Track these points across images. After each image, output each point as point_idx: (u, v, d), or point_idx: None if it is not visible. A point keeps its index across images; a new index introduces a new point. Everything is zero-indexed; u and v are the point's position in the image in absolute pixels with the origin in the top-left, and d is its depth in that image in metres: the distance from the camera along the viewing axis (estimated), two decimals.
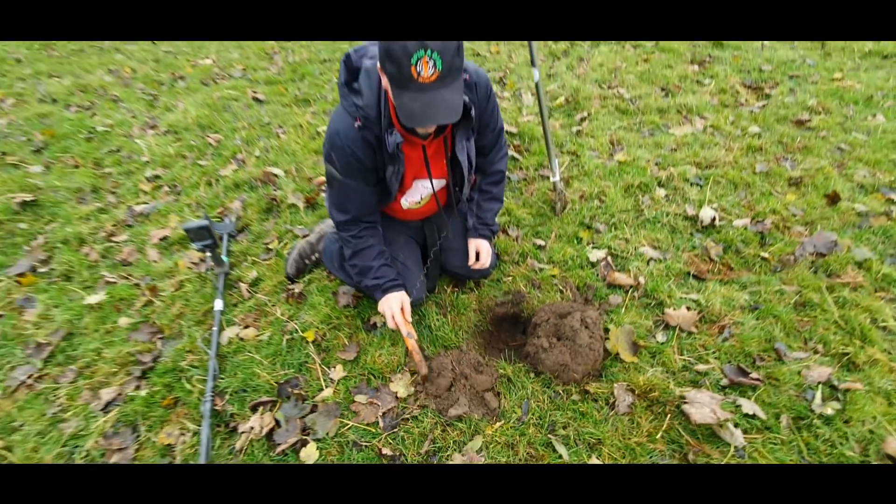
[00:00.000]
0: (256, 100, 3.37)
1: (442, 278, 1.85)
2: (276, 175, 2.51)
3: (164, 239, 2.15)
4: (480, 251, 1.64)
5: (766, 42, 3.72)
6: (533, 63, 1.78)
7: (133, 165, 2.72)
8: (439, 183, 1.54)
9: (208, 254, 1.82)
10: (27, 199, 2.39)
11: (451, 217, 1.68)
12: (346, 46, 4.28)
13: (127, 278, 1.98)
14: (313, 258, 1.91)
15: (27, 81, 3.92)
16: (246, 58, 4.18)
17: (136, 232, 2.21)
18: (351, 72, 1.32)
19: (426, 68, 1.04)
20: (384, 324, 1.68)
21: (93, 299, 1.87)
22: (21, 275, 1.99)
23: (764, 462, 1.24)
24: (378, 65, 1.14)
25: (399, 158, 1.34)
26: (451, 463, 1.29)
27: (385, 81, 1.15)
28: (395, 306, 1.49)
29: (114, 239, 2.18)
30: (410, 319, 1.52)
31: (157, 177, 2.61)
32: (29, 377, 1.62)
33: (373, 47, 1.32)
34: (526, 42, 4.08)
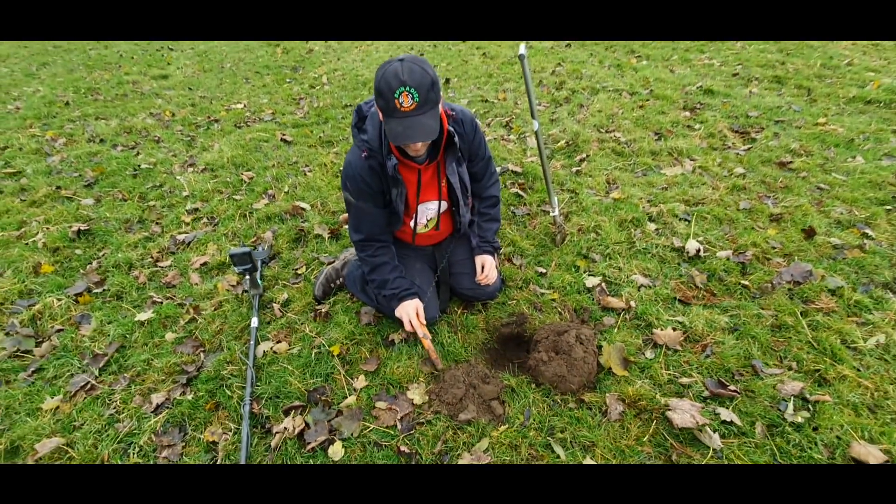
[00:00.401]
0: (285, 141, 3.71)
1: (453, 301, 2.06)
2: (303, 209, 2.78)
3: (204, 265, 2.40)
4: (485, 265, 1.88)
5: (754, 90, 4.02)
6: (532, 115, 2.05)
7: (174, 199, 3.01)
8: (441, 205, 1.81)
9: (247, 277, 2.06)
10: (82, 227, 2.68)
11: (457, 239, 1.93)
12: (368, 74, 4.67)
13: (171, 299, 2.21)
14: (338, 282, 2.14)
15: (76, 123, 4.33)
16: (275, 103, 4.58)
17: (179, 258, 2.47)
18: (361, 118, 1.66)
19: (406, 100, 1.35)
20: (402, 339, 1.88)
21: (142, 316, 2.10)
22: (79, 294, 2.24)
23: (739, 462, 1.39)
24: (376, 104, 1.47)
25: (399, 180, 1.62)
26: (460, 463, 1.46)
27: (380, 116, 1.47)
28: (411, 312, 1.72)
29: (159, 264, 2.44)
30: (425, 323, 1.73)
31: (196, 210, 2.89)
32: (87, 384, 1.83)
33: (372, 108, 1.66)
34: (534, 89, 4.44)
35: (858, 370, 1.65)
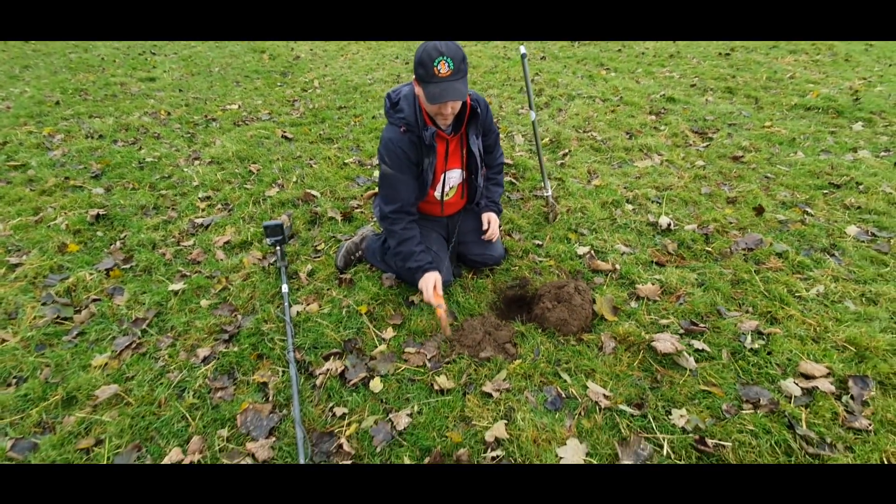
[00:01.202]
0: (286, 138, 3.91)
1: (464, 267, 2.33)
2: (314, 195, 3.00)
3: (227, 243, 2.58)
4: (490, 221, 2.16)
5: (710, 98, 4.52)
6: (531, 106, 2.37)
7: (186, 188, 3.17)
8: (461, 174, 2.08)
9: (277, 248, 2.26)
10: (101, 212, 2.81)
11: (466, 213, 2.21)
12: (357, 79, 4.93)
13: (199, 272, 2.38)
14: (357, 255, 2.37)
15: (70, 120, 4.38)
16: (269, 104, 4.77)
17: (201, 238, 2.64)
18: (393, 102, 1.92)
19: (444, 67, 1.62)
20: (421, 300, 2.13)
21: (175, 287, 2.26)
22: (109, 269, 2.38)
23: (712, 380, 1.71)
24: (413, 79, 1.75)
25: (433, 148, 1.88)
26: (483, 390, 1.71)
27: (418, 89, 1.75)
28: (430, 284, 1.94)
29: (182, 244, 2.60)
30: (442, 294, 1.97)
31: (209, 197, 3.06)
32: (132, 343, 1.99)
33: (403, 88, 1.93)
34: (514, 95, 4.81)
35: (803, 312, 2.01)
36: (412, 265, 1.98)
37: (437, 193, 2.10)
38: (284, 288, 2.16)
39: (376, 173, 3.30)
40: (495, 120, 4.17)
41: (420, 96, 1.77)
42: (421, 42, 1.69)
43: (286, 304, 2.08)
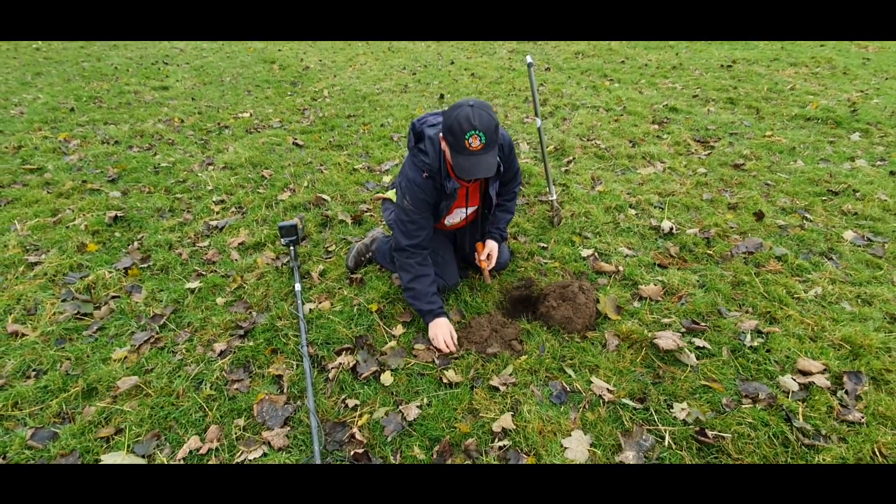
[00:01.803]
0: (296, 145, 4.02)
1: (472, 268, 2.39)
2: (325, 199, 3.08)
3: (241, 244, 2.66)
4: (491, 251, 2.13)
5: (711, 109, 4.61)
6: (536, 114, 2.46)
7: (200, 192, 3.26)
8: (473, 209, 2.10)
9: (291, 248, 2.34)
10: (118, 214, 2.89)
11: (478, 229, 2.25)
12: (365, 89, 5.04)
13: (215, 272, 2.46)
14: (368, 256, 2.44)
15: (85, 127, 4.51)
16: (280, 112, 4.88)
17: (216, 240, 2.72)
18: (416, 135, 1.89)
19: (475, 141, 1.60)
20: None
21: (191, 285, 2.34)
22: (127, 268, 2.46)
23: (713, 376, 1.76)
24: (440, 135, 1.73)
25: (454, 196, 1.89)
26: (490, 384, 1.77)
27: (445, 146, 1.72)
28: (446, 331, 1.91)
29: (198, 244, 2.68)
30: (455, 342, 1.92)
31: (222, 201, 3.15)
32: (151, 337, 2.06)
33: (431, 117, 1.93)
34: (519, 105, 4.92)
35: (801, 313, 2.07)
36: (424, 308, 1.95)
37: (448, 222, 2.13)
38: (297, 286, 2.23)
39: (385, 179, 3.39)
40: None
41: (446, 153, 1.75)
42: (453, 106, 1.65)
43: (299, 301, 2.15)
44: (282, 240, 2.29)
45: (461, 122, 1.59)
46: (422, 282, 1.96)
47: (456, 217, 2.11)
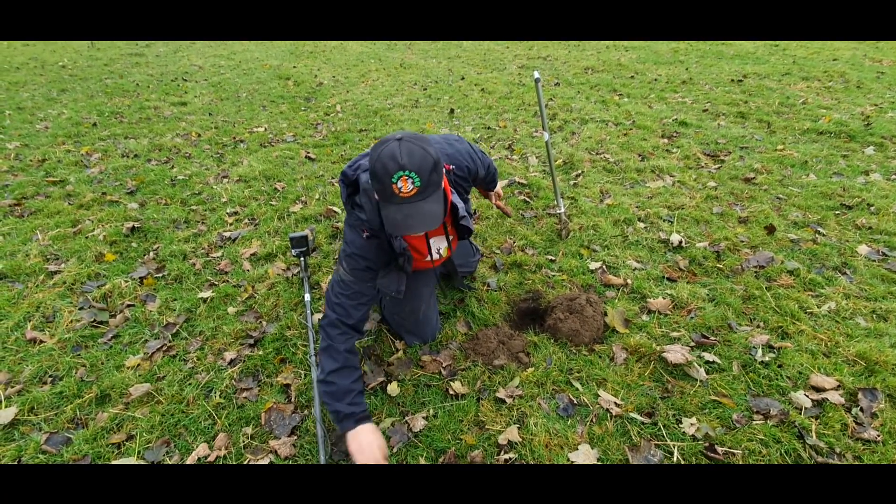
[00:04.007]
0: (309, 158, 4.09)
1: (481, 279, 2.40)
2: (335, 211, 3.13)
3: (253, 254, 2.71)
4: (499, 191, 2.28)
5: (722, 123, 4.60)
6: (544, 128, 2.49)
7: (215, 204, 3.33)
8: (449, 239, 1.77)
9: (301, 259, 2.38)
10: (136, 225, 2.97)
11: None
12: (377, 104, 5.13)
13: (227, 282, 2.50)
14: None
15: (106, 141, 4.65)
16: (294, 127, 4.99)
17: (229, 251, 2.77)
18: (349, 185, 1.53)
19: (406, 185, 1.22)
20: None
21: (204, 294, 2.38)
22: (143, 278, 2.51)
23: (723, 391, 1.74)
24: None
25: (407, 255, 1.57)
26: (497, 396, 1.77)
27: (375, 196, 1.35)
28: (372, 448, 1.42)
29: (211, 255, 2.74)
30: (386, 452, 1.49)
31: (236, 213, 3.22)
32: (163, 346, 2.10)
33: (363, 160, 1.53)
34: (528, 119, 4.96)
35: (814, 328, 2.04)
36: (344, 410, 1.47)
37: (428, 259, 1.78)
38: (307, 297, 2.26)
39: None
40: (509, 143, 4.32)
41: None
42: (378, 143, 1.30)
43: (308, 311, 2.18)
44: (292, 250, 2.33)
45: (385, 161, 1.22)
46: (345, 376, 1.51)
47: (434, 252, 1.75)
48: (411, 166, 1.22)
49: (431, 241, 1.70)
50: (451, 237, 1.78)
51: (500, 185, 2.28)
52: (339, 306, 1.56)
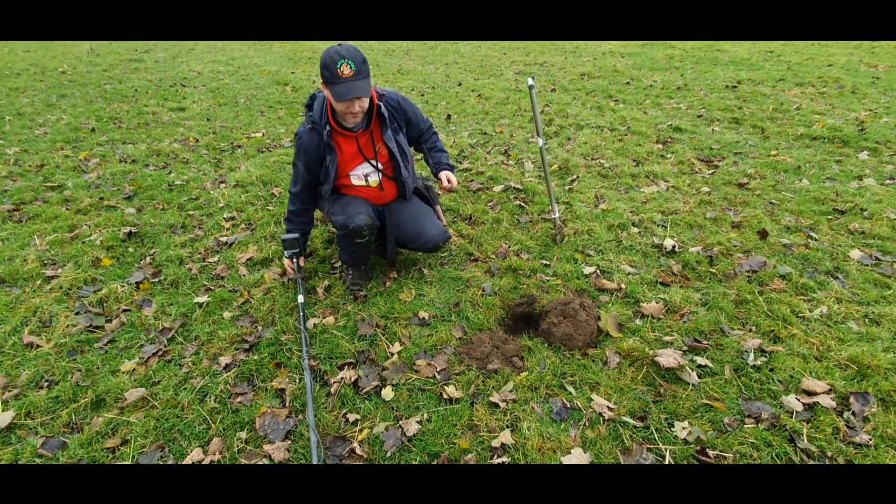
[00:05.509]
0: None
1: (474, 284, 2.41)
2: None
3: (249, 259, 2.72)
4: (449, 177, 2.32)
5: (716, 128, 4.64)
6: (538, 133, 2.51)
7: (211, 209, 3.34)
8: (378, 168, 2.25)
9: (294, 261, 2.36)
10: (132, 230, 2.98)
11: (404, 198, 2.41)
12: None
13: (223, 287, 2.51)
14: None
15: (105, 146, 4.67)
16: (292, 132, 5.01)
17: (225, 255, 2.78)
18: (308, 104, 2.19)
19: (346, 69, 1.85)
20: (433, 316, 2.22)
21: (200, 299, 2.39)
22: (139, 283, 2.52)
23: (715, 395, 1.75)
24: (322, 84, 1.96)
25: (332, 147, 2.12)
26: (491, 400, 1.78)
27: (326, 91, 1.96)
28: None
29: (208, 260, 2.75)
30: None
31: (233, 218, 3.23)
32: (159, 350, 2.10)
33: (321, 93, 2.15)
34: (524, 125, 4.99)
35: (806, 332, 2.05)
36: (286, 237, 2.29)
37: (357, 181, 2.28)
38: (301, 298, 2.26)
39: None
40: (506, 148, 4.34)
41: (329, 97, 1.98)
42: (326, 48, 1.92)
43: (301, 314, 2.18)
44: (285, 252, 2.33)
45: (331, 55, 1.86)
46: (290, 226, 2.40)
47: (359, 172, 2.25)
48: (349, 57, 1.87)
49: (360, 166, 2.24)
50: (382, 167, 2.27)
51: (453, 177, 2.34)
52: (293, 181, 2.33)
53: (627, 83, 6.53)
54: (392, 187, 2.36)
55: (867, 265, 2.47)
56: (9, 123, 5.27)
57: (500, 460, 1.56)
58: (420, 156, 2.54)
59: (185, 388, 1.91)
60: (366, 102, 2.00)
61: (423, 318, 2.23)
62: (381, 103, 2.13)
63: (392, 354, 2.03)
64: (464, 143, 4.51)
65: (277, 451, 1.62)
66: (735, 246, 2.67)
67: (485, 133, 4.84)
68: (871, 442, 1.54)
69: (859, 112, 4.82)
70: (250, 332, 2.18)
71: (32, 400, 1.85)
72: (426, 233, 2.35)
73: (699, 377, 1.82)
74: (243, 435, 1.70)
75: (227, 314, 2.30)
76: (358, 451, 1.60)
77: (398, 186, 2.36)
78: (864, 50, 7.78)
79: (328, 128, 2.07)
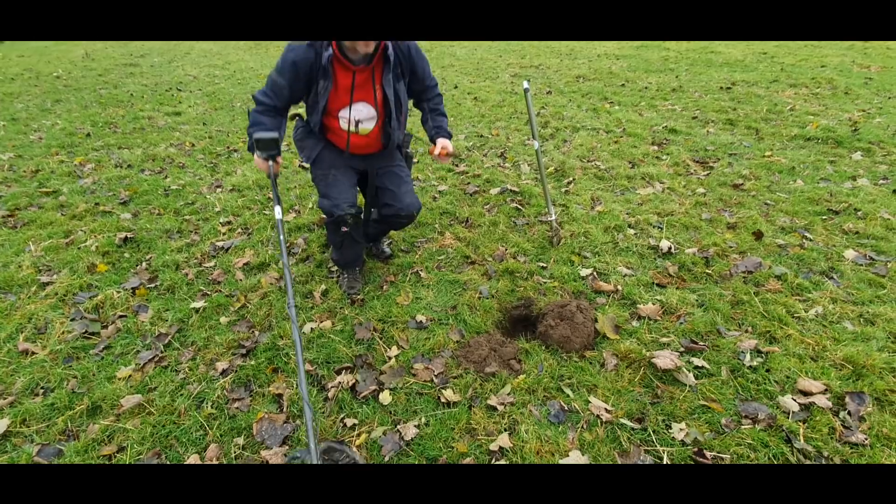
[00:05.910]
0: (302, 167, 4.11)
1: (471, 287, 2.42)
2: None
3: (246, 264, 2.71)
4: (445, 145, 2.15)
5: (711, 130, 4.66)
6: (534, 136, 2.52)
7: (208, 214, 3.34)
8: (373, 113, 2.04)
9: (271, 163, 1.91)
10: (128, 235, 2.97)
11: (388, 152, 2.25)
12: None
13: (220, 291, 2.51)
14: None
15: (100, 151, 4.66)
16: (287, 136, 5.00)
17: (221, 260, 2.78)
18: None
19: None
20: (430, 320, 2.22)
21: (196, 305, 2.38)
22: (135, 288, 2.51)
23: (712, 396, 1.76)
24: None
25: (328, 73, 1.89)
26: (488, 404, 1.78)
27: None
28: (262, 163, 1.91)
29: (204, 265, 2.74)
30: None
31: (229, 222, 3.22)
32: (155, 356, 2.09)
33: None
34: (520, 127, 5.01)
35: (802, 332, 2.06)
36: (253, 132, 1.90)
37: (343, 124, 2.06)
38: (278, 211, 1.85)
39: None
40: (502, 151, 4.35)
41: None
42: None
43: (280, 228, 1.76)
44: (259, 153, 1.90)
45: None
46: (257, 126, 1.96)
47: (346, 113, 2.02)
48: None
49: (356, 105, 2.02)
50: (378, 110, 2.05)
51: (450, 144, 2.18)
52: (264, 91, 1.98)
53: (623, 85, 6.56)
54: (377, 139, 2.16)
55: (861, 265, 2.49)
56: (3, 129, 5.25)
57: (498, 464, 1.56)
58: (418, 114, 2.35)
59: (181, 394, 1.90)
60: (371, 43, 1.81)
61: (421, 321, 2.23)
62: (389, 44, 1.91)
63: (389, 358, 2.03)
64: (460, 146, 4.51)
65: (275, 457, 1.62)
66: (731, 247, 2.68)
67: (481, 136, 4.85)
68: (866, 441, 1.55)
69: (852, 113, 4.86)
70: (247, 337, 2.17)
71: (28, 407, 1.84)
72: (403, 200, 2.24)
73: (696, 378, 1.83)
74: (240, 441, 1.69)
75: (223, 319, 2.29)
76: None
77: (382, 137, 2.16)
78: (857, 51, 7.84)
79: (330, 50, 1.85)
